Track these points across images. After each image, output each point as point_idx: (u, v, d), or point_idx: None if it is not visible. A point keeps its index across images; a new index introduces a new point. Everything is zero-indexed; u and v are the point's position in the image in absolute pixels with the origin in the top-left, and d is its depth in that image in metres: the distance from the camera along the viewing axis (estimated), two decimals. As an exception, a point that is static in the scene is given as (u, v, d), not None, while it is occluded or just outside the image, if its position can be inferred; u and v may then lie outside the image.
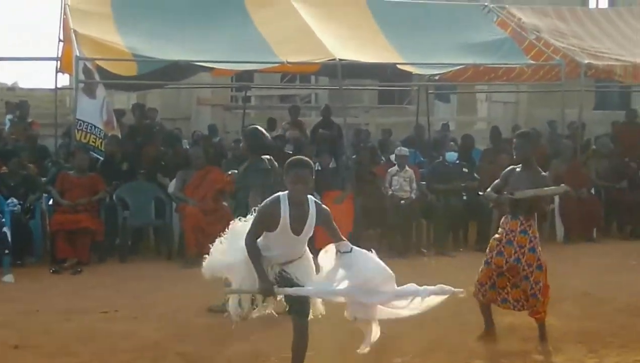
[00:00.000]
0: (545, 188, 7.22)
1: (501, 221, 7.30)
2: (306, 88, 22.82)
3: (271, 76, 19.88)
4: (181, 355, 6.93)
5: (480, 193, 7.32)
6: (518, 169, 7.23)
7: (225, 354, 6.90)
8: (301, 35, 13.39)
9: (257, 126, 9.27)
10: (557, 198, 12.90)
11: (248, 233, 5.65)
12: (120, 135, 13.17)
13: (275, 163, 8.53)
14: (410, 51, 13.63)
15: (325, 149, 13.14)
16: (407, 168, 12.36)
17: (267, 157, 8.60)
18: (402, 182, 12.19)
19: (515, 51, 14.42)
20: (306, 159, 5.72)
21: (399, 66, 13.61)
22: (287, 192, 5.60)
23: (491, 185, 7.44)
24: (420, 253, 11.93)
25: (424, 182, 12.76)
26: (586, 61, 14.12)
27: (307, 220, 5.62)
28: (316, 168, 12.75)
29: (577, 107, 14.48)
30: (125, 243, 11.64)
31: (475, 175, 12.95)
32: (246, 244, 5.64)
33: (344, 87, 13.74)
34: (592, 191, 13.27)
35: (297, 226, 5.59)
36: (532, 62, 14.49)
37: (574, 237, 12.86)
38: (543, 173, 7.26)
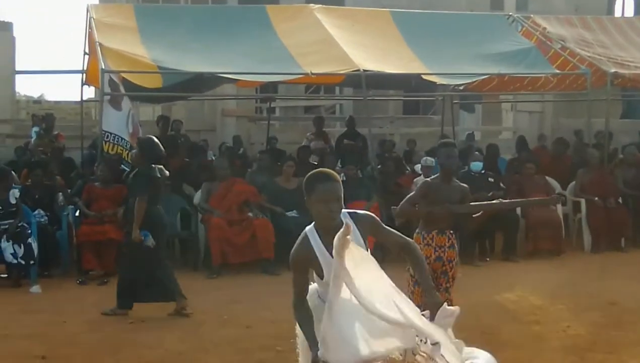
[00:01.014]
0: (494, 201, 7.34)
1: (421, 237, 6.68)
2: (331, 99, 22.87)
3: (295, 87, 19.93)
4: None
5: (393, 207, 6.92)
6: (435, 181, 6.88)
7: (251, 364, 6.87)
8: (325, 47, 13.40)
9: (152, 136, 9.49)
10: (584, 208, 12.84)
11: (293, 295, 4.51)
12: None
13: (166, 172, 8.90)
14: (434, 61, 13.60)
15: (350, 160, 13.13)
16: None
17: (159, 166, 8.83)
18: (428, 192, 12.12)
19: (541, 60, 14.36)
20: (331, 171, 4.55)
21: (423, 76, 13.58)
22: (312, 224, 4.48)
23: (406, 198, 6.96)
24: (446, 264, 11.86)
25: (449, 192, 12.70)
26: (612, 70, 14.03)
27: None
28: (342, 178, 12.77)
29: (604, 116, 14.39)
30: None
31: (501, 184, 12.88)
32: (293, 307, 4.52)
33: (368, 98, 13.75)
34: (620, 200, 13.15)
35: None
36: (557, 71, 14.41)
37: (602, 247, 12.76)
38: (463, 185, 6.97)
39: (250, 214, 11.44)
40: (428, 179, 7.06)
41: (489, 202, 7.45)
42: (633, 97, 19.68)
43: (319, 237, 4.38)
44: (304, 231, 4.47)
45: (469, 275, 11.16)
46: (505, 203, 7.59)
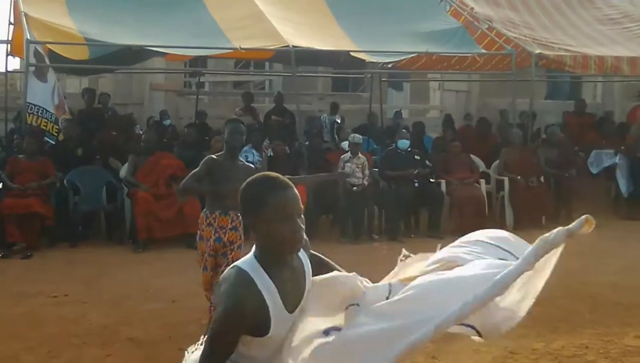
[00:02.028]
0: (321, 174, 7.03)
1: (204, 216, 6.62)
2: (260, 74, 22.78)
3: (225, 62, 19.81)
4: (131, 340, 6.93)
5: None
6: (220, 159, 6.67)
7: (176, 339, 6.86)
8: (255, 22, 13.35)
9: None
10: (507, 186, 13.09)
11: None
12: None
13: None
14: (364, 39, 13.66)
15: (278, 136, 13.16)
16: (359, 155, 12.41)
17: None
18: (355, 169, 12.25)
19: (468, 40, 14.53)
20: (277, 174, 3.23)
21: (352, 53, 13.63)
22: (252, 253, 3.11)
23: (190, 174, 6.75)
24: (371, 239, 12.01)
25: (376, 169, 12.85)
26: (537, 51, 14.26)
27: (304, 285, 3.17)
28: (269, 154, 12.80)
29: (528, 96, 14.64)
30: (76, 228, 11.55)
31: (427, 162, 13.08)
32: None
33: (297, 74, 13.74)
34: (542, 179, 13.43)
35: (292, 300, 3.09)
36: (484, 51, 14.62)
37: (524, 224, 13.01)
38: (248, 164, 6.91)
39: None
40: (213, 156, 6.77)
41: (322, 174, 7.31)
42: (557, 78, 20.05)
43: (267, 275, 3.01)
44: (237, 270, 3.03)
45: (394, 250, 11.33)
46: (292, 179, 7.43)
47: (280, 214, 3.01)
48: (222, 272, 5.81)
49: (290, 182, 3.16)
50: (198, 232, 6.70)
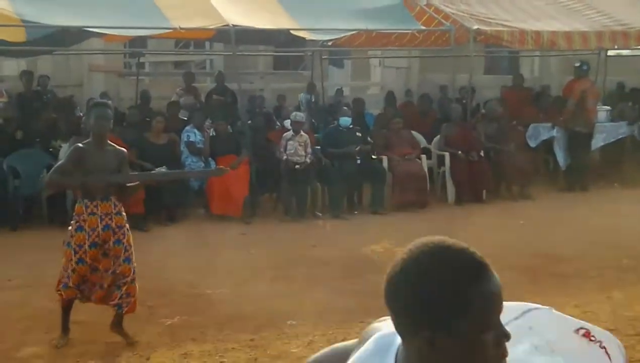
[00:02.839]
0: (154, 171, 6.92)
1: (84, 207, 6.27)
2: (200, 54, 22.62)
3: (165, 42, 19.64)
4: (76, 323, 6.91)
5: (41, 176, 6.34)
6: (89, 147, 6.25)
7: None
8: (194, 1, 13.28)
9: None
10: (447, 162, 13.26)
11: None
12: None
13: None
14: (304, 16, 13.65)
15: (219, 115, 13.15)
16: (302, 133, 12.46)
17: None
18: (297, 147, 12.29)
19: (407, 17, 14.60)
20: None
21: (292, 32, 13.65)
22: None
23: (55, 167, 6.40)
24: (315, 217, 12.08)
25: (318, 147, 12.91)
26: (475, 27, 14.40)
27: None
28: (211, 134, 12.78)
29: (468, 72, 14.80)
30: (16, 212, 11.43)
31: (369, 139, 13.18)
32: None
33: (238, 53, 13.72)
34: (482, 154, 13.61)
35: None
36: (423, 27, 14.72)
37: (465, 199, 13.22)
38: (119, 148, 6.43)
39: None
40: (80, 144, 6.28)
41: (148, 172, 7.13)
42: (495, 53, 20.27)
43: None
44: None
45: (337, 227, 11.45)
46: (166, 174, 7.24)
47: (487, 319, 1.86)
48: (122, 259, 6.26)
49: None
50: (73, 224, 6.31)
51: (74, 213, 6.33)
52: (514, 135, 14.16)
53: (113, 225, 6.25)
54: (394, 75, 21.44)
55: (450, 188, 13.26)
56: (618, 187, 14.64)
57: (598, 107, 15.07)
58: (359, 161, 12.73)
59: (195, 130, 12.56)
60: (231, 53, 13.72)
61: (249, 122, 13.45)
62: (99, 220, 6.21)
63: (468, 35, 14.33)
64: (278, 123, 14.61)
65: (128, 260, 6.33)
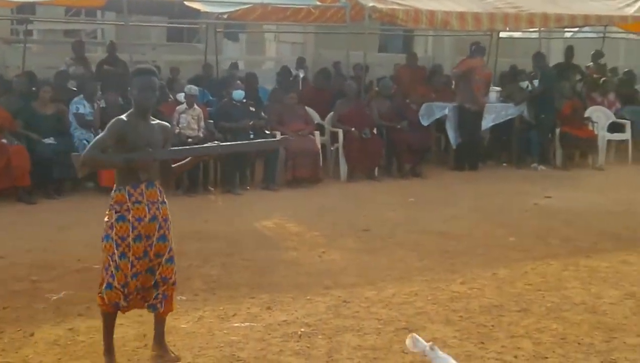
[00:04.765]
0: (206, 145, 5.80)
1: (127, 195, 5.13)
2: (91, 23, 22.12)
3: (54, 9, 19.12)
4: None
5: (74, 154, 5.07)
6: (132, 120, 5.19)
7: (2, 296, 6.68)
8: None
9: None
10: (341, 138, 13.30)
11: None
12: None
13: None
14: (199, -12, 13.49)
15: (110, 86, 12.87)
16: (195, 106, 12.30)
17: None
18: (190, 121, 12.14)
19: (303, -8, 14.58)
20: None
21: (186, 3, 13.43)
22: None
23: (93, 142, 5.32)
24: (207, 191, 11.97)
25: (211, 121, 12.77)
26: (370, 4, 14.41)
27: None
28: (102, 105, 12.50)
29: (362, 49, 14.85)
30: None
31: (263, 114, 13.11)
32: None
33: (130, 23, 13.44)
34: (375, 131, 13.69)
35: None
36: (318, 3, 14.69)
37: (357, 175, 13.30)
38: (163, 123, 5.44)
39: (4, 141, 10.96)
40: (122, 117, 5.21)
41: (198, 146, 6.12)
42: (390, 31, 20.42)
43: None
44: None
45: (230, 203, 11.38)
46: (224, 147, 5.90)
47: None
48: (165, 259, 5.23)
49: None
50: (113, 214, 5.16)
51: (111, 203, 5.20)
52: (406, 113, 14.27)
53: (160, 217, 5.25)
54: (289, 50, 21.42)
55: (342, 165, 13.30)
56: (507, 166, 14.99)
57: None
58: (252, 136, 12.63)
59: (85, 102, 12.23)
60: (123, 23, 13.43)
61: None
62: (147, 210, 5.19)
63: (363, 12, 14.35)
64: (171, 96, 14.38)
65: (171, 260, 5.32)
